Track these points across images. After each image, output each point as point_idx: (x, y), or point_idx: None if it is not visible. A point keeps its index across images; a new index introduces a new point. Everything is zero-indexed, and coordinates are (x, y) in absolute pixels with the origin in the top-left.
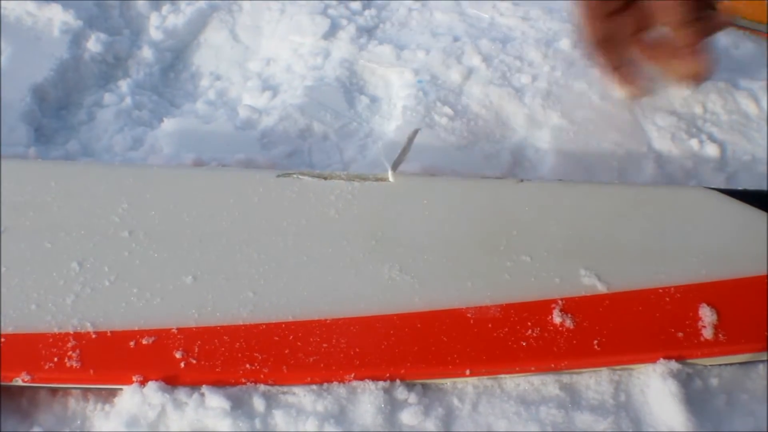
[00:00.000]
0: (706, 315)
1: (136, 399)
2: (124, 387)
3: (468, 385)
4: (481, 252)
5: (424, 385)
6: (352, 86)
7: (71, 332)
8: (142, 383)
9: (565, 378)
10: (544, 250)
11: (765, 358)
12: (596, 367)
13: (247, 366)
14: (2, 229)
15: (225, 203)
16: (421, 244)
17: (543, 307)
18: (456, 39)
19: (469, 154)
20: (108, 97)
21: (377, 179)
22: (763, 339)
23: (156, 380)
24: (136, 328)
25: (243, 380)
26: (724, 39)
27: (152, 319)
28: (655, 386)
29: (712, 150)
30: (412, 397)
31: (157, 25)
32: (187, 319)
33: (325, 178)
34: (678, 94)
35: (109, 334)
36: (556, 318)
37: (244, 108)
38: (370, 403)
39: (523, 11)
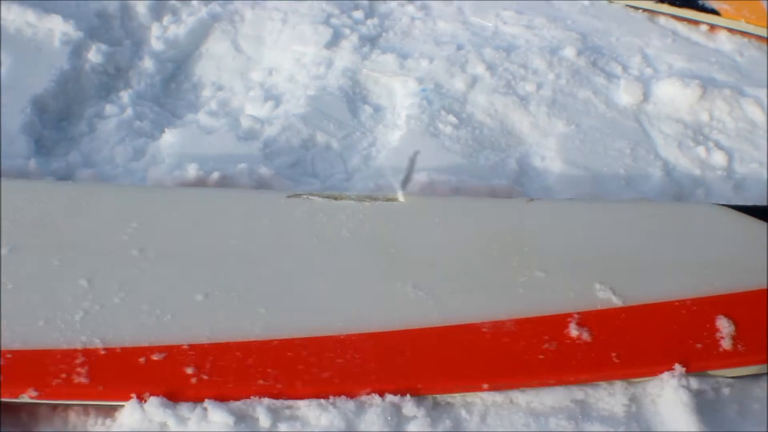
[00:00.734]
0: (724, 326)
1: (137, 415)
2: (125, 403)
3: (476, 397)
4: (494, 268)
5: (434, 398)
6: (355, 95)
7: (80, 348)
8: (143, 399)
9: (576, 388)
10: (557, 265)
11: None
12: (615, 379)
13: (261, 381)
14: (11, 246)
15: (235, 223)
16: (433, 262)
17: (559, 321)
18: (460, 47)
19: (474, 162)
20: (109, 108)
21: (387, 200)
22: None
23: (161, 395)
24: (146, 345)
25: (256, 395)
26: (729, 46)
27: (162, 335)
28: (666, 396)
29: (719, 157)
30: (421, 411)
31: (159, 36)
32: (198, 336)
33: (336, 199)
34: (684, 102)
35: (118, 350)
36: (573, 331)
37: (247, 118)
38: (377, 415)
39: (527, 20)
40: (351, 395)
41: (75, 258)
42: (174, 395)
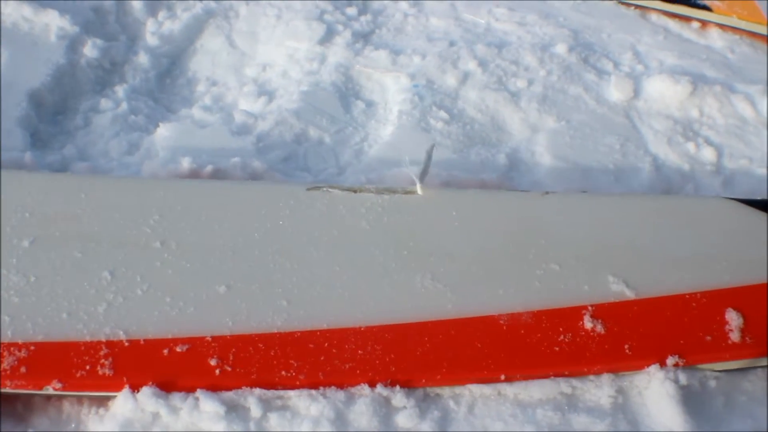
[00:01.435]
0: (733, 319)
1: (129, 404)
2: (117, 393)
3: (465, 389)
4: (510, 261)
5: (423, 390)
6: (347, 91)
7: (103, 340)
8: (136, 389)
9: (563, 380)
10: (572, 258)
11: None
12: (628, 371)
13: (283, 373)
14: (33, 238)
15: (256, 215)
16: (451, 254)
17: (574, 313)
18: (452, 44)
19: (465, 157)
20: (104, 103)
21: (406, 192)
22: None
23: (194, 387)
24: (170, 336)
25: (279, 387)
26: (720, 42)
27: (186, 327)
28: (653, 388)
29: (708, 153)
30: (410, 401)
31: (154, 31)
32: (221, 328)
33: (355, 192)
34: (675, 98)
35: (142, 342)
36: (587, 323)
37: (240, 113)
38: (366, 405)
39: (519, 16)
40: (371, 386)
41: (98, 250)
42: (202, 386)
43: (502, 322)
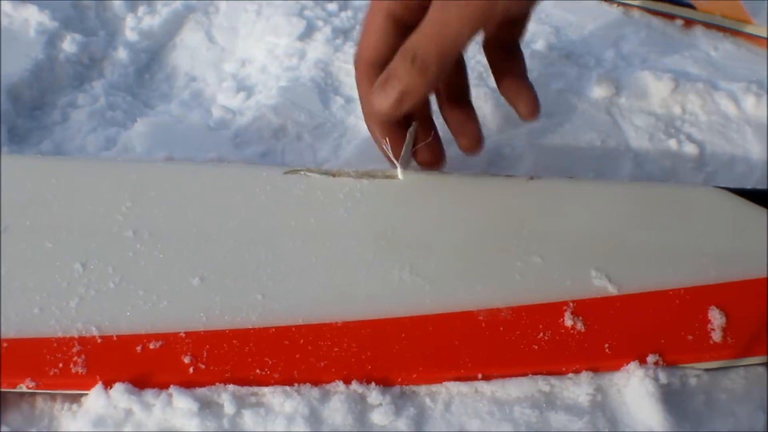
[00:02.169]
0: (716, 318)
1: (102, 401)
2: (89, 390)
3: (441, 386)
4: (492, 253)
5: (400, 387)
6: (327, 87)
7: (76, 336)
8: (109, 386)
9: (541, 378)
10: (555, 250)
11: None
12: (607, 370)
13: (257, 370)
14: (3, 228)
15: (231, 201)
16: (431, 245)
17: (554, 310)
18: None
19: (446, 153)
20: (82, 98)
21: (386, 176)
22: None
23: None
24: (143, 332)
25: (253, 384)
26: (703, 40)
27: (159, 322)
28: (632, 386)
29: (690, 150)
30: (386, 398)
31: (133, 27)
32: (195, 323)
33: (334, 175)
34: (657, 95)
35: (115, 338)
36: (568, 321)
37: (218, 108)
38: (341, 402)
39: None
40: (346, 383)
41: (69, 240)
42: (175, 384)
43: (481, 318)
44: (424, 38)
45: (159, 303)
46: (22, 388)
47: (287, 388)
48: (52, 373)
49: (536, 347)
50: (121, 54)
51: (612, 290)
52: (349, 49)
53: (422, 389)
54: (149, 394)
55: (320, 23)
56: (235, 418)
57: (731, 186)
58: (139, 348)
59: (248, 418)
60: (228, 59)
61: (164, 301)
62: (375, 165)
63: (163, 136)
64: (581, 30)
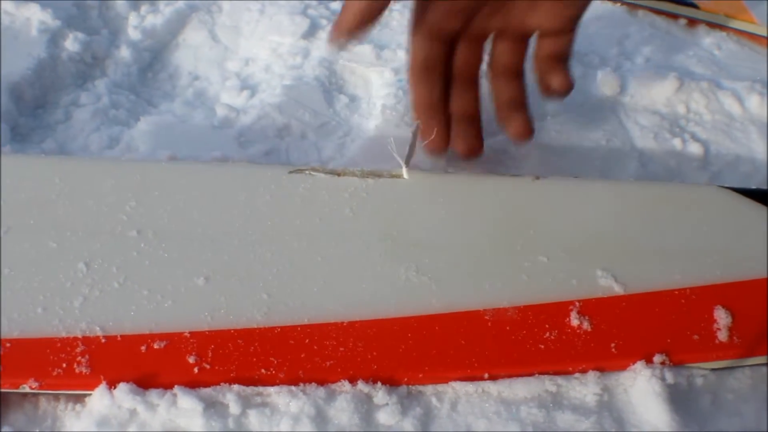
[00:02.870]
0: (721, 317)
1: (106, 401)
2: (93, 391)
3: (447, 386)
4: (498, 252)
5: (407, 387)
6: (331, 85)
7: (80, 336)
8: (113, 386)
9: (548, 378)
10: (561, 250)
11: None
12: (613, 370)
13: (263, 370)
14: (6, 229)
15: (236, 200)
16: (437, 244)
17: (561, 309)
18: None
19: (449, 152)
20: (85, 97)
21: (392, 176)
22: None
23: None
24: (147, 332)
25: (258, 383)
26: (706, 39)
27: (163, 322)
28: (638, 386)
29: (695, 149)
30: (392, 398)
31: (136, 25)
32: (199, 323)
33: (339, 175)
34: (661, 94)
35: (119, 338)
36: (574, 320)
37: (222, 107)
38: (347, 402)
39: None
40: (352, 383)
41: (73, 240)
42: (173, 384)
43: (487, 317)
44: None
45: (163, 303)
46: (25, 388)
47: (293, 387)
48: (55, 373)
49: (542, 347)
50: (124, 53)
51: (618, 290)
52: (353, 48)
53: (428, 389)
54: (153, 394)
55: (324, 22)
56: (241, 419)
57: (735, 185)
58: (143, 348)
59: (253, 418)
60: (231, 58)
61: (168, 300)
62: (380, 163)
63: (166, 135)
64: (585, 29)
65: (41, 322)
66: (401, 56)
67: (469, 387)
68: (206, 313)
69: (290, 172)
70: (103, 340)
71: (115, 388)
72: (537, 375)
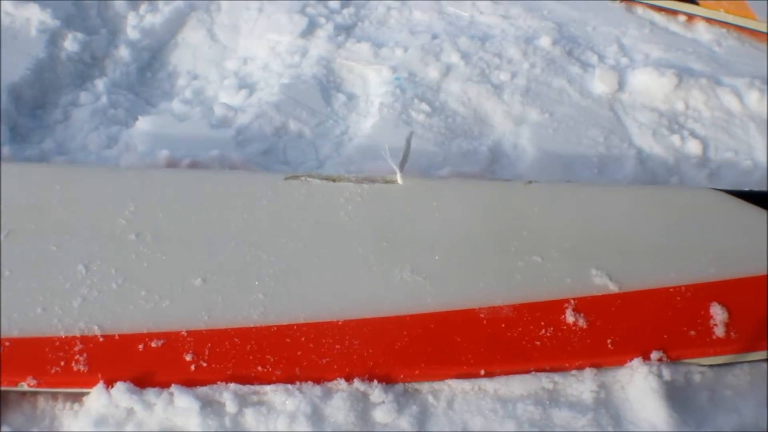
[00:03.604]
0: (718, 313)
1: (103, 400)
2: (91, 389)
3: (444, 384)
4: (492, 253)
5: (403, 384)
6: (329, 84)
7: (78, 336)
8: (111, 384)
9: (544, 375)
10: (554, 250)
11: None
12: (611, 366)
13: (259, 368)
14: (7, 232)
15: (233, 206)
16: (432, 246)
17: (556, 307)
18: (435, 37)
19: (447, 150)
20: (84, 96)
21: (386, 182)
22: None
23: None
24: (145, 331)
25: (255, 382)
26: (707, 36)
27: (161, 321)
28: (636, 383)
29: (694, 146)
30: (389, 396)
31: (135, 25)
32: (196, 322)
33: (334, 181)
34: (660, 91)
35: (117, 337)
36: (569, 318)
37: (220, 106)
38: (343, 400)
39: (503, 9)
40: (348, 381)
41: (72, 243)
42: (177, 382)
43: (482, 315)
44: None
45: (161, 303)
46: (24, 386)
47: (289, 386)
48: (53, 371)
49: (538, 344)
50: (123, 52)
51: (613, 288)
52: (351, 46)
53: (425, 387)
54: (151, 393)
55: (322, 20)
56: (237, 417)
57: (734, 182)
58: (141, 347)
59: (250, 416)
60: (230, 57)
61: (166, 300)
62: (377, 163)
63: (164, 134)
64: (584, 26)
65: (40, 322)
66: (399, 54)
67: (465, 384)
68: (203, 313)
69: (286, 179)
70: (101, 339)
71: (112, 387)
72: (533, 372)
